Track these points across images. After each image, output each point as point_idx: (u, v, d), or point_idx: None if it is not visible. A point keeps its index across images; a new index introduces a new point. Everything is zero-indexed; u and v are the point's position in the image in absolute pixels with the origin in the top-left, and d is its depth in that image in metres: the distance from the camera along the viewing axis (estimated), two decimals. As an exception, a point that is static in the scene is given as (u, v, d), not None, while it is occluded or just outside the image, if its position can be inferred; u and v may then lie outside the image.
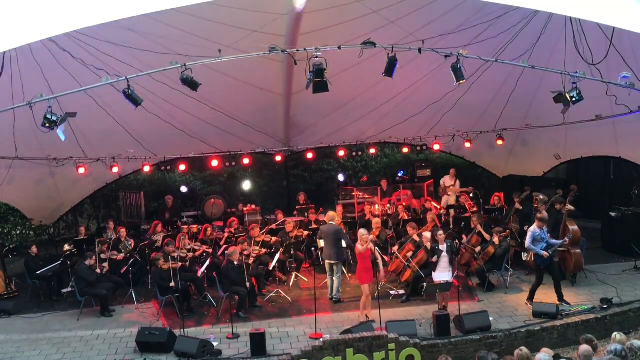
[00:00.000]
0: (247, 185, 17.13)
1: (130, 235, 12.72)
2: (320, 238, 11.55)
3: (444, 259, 9.93)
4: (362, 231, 9.93)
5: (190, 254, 11.32)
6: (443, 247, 9.96)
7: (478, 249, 11.18)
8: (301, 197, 15.16)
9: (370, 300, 9.77)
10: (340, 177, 17.12)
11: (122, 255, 11.67)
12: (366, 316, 9.68)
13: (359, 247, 9.78)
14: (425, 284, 10.04)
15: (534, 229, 9.97)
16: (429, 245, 10.40)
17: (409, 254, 10.88)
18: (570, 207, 11.23)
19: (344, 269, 12.09)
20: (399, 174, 17.26)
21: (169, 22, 8.69)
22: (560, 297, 9.92)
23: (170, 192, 15.57)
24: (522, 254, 11.46)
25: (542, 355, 5.98)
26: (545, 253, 9.80)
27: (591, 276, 11.29)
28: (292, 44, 9.56)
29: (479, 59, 9.33)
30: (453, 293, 9.77)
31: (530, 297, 10.04)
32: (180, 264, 10.46)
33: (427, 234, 10.71)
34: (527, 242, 9.99)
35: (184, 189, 16.29)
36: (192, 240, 12.21)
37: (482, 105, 13.66)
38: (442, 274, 9.91)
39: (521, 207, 12.57)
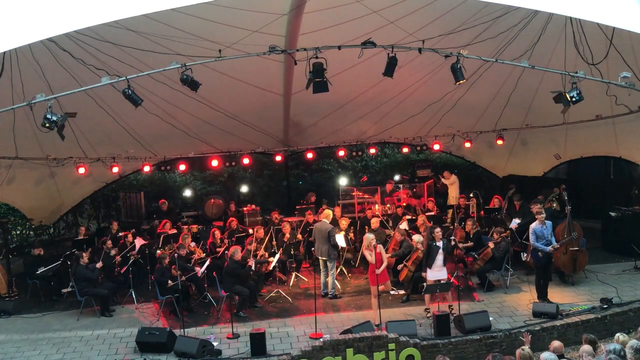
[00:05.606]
0: (245, 187, 17.15)
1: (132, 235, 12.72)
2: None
3: (440, 256, 9.83)
4: (369, 236, 9.71)
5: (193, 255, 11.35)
6: (439, 244, 9.86)
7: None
8: (312, 198, 15.19)
9: (375, 302, 9.52)
10: (342, 182, 17.00)
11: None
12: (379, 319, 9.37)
13: (367, 254, 9.60)
14: (425, 283, 10.02)
15: (534, 225, 10.05)
16: (420, 246, 10.40)
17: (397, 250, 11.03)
18: (555, 205, 11.27)
19: (344, 269, 12.13)
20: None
21: (169, 22, 8.69)
22: (545, 296, 10.02)
23: (166, 195, 15.38)
24: (522, 254, 11.46)
25: (547, 354, 5.99)
26: (550, 248, 9.92)
27: (591, 276, 11.28)
28: (292, 44, 9.56)
29: (479, 59, 9.34)
30: (435, 295, 9.72)
31: (543, 296, 10.04)
32: (183, 277, 10.39)
33: (416, 237, 10.71)
34: (531, 239, 10.05)
35: (187, 192, 16.26)
36: (197, 243, 12.20)
37: (482, 105, 13.66)
38: (437, 273, 9.80)
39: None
